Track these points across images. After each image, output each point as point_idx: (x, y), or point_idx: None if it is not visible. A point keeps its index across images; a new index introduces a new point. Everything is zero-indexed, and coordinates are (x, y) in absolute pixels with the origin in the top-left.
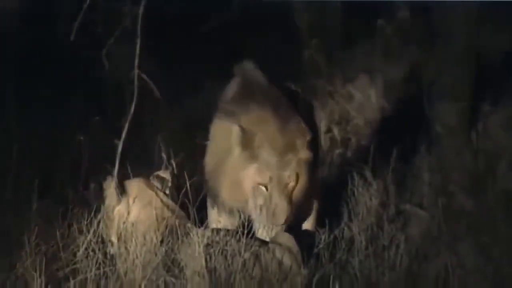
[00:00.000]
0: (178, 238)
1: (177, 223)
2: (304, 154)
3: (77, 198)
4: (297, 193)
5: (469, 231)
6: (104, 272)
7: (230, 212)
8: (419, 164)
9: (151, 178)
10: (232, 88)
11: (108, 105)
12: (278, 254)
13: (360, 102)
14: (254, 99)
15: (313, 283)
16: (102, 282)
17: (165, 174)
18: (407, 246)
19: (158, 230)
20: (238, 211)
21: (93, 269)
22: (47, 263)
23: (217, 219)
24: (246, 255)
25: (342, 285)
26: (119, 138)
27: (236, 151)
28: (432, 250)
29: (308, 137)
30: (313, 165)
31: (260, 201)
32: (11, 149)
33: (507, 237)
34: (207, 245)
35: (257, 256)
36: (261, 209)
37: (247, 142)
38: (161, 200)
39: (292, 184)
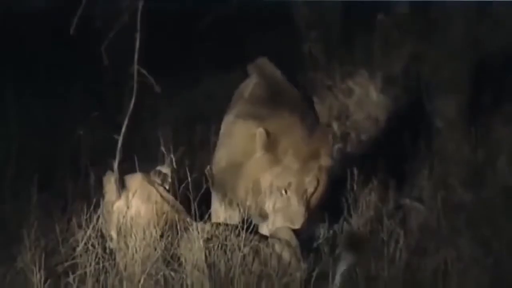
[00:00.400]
0: (177, 233)
1: (176, 218)
2: (326, 161)
3: (77, 192)
4: (314, 199)
5: (468, 225)
6: (103, 266)
7: (240, 210)
8: (418, 158)
9: (152, 173)
10: (250, 87)
11: (108, 99)
12: (277, 248)
13: (359, 97)
14: (283, 105)
15: (313, 278)
16: (102, 277)
17: (165, 169)
18: (406, 241)
19: (158, 224)
20: (238, 205)
21: (93, 264)
22: (46, 257)
23: (222, 216)
24: (246, 250)
25: (342, 280)
26: (119, 133)
27: (258, 153)
28: (431, 244)
29: (332, 145)
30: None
31: (278, 205)
32: (10, 143)
33: (507, 231)
34: (207, 239)
35: (256, 251)
36: (278, 212)
37: (270, 146)
38: (161, 195)
39: (311, 190)
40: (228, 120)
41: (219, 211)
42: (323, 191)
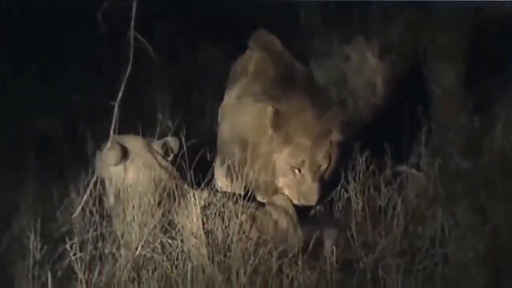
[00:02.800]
0: (175, 200)
1: (174, 185)
2: (337, 136)
3: (74, 159)
4: (328, 174)
5: (466, 192)
6: (101, 233)
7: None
8: (416, 124)
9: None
10: (254, 62)
11: (105, 65)
12: (274, 216)
13: (356, 63)
14: (294, 83)
15: (310, 245)
16: (99, 243)
17: (172, 141)
18: (403, 208)
19: (156, 191)
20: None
21: (90, 231)
22: (43, 224)
23: (226, 185)
24: (243, 217)
25: (339, 247)
26: (115, 99)
27: (269, 132)
28: (428, 211)
29: (342, 119)
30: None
31: (291, 183)
32: (8, 110)
33: (504, 198)
34: (204, 207)
35: (253, 218)
36: (291, 190)
37: (280, 125)
38: (159, 163)
39: (324, 166)
40: (233, 94)
41: (223, 181)
42: (335, 166)
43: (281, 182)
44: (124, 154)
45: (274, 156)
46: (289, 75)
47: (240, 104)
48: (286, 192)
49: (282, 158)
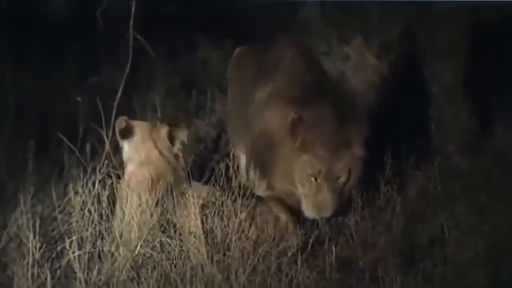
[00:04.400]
0: (173, 199)
1: (172, 181)
2: (358, 151)
3: (74, 158)
4: (347, 188)
5: (465, 192)
6: (100, 232)
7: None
8: (415, 124)
9: None
10: (287, 61)
11: (104, 65)
12: (274, 211)
13: (356, 62)
14: (322, 91)
15: (309, 244)
16: (98, 242)
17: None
18: (403, 207)
19: (154, 190)
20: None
21: (89, 230)
22: (42, 223)
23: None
24: (242, 216)
25: (338, 246)
26: (114, 99)
27: (288, 138)
28: (428, 211)
29: (365, 135)
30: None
31: (308, 192)
32: (7, 109)
33: (503, 197)
34: (203, 205)
35: (253, 217)
36: (307, 200)
37: (298, 132)
38: (160, 152)
39: (343, 179)
40: (265, 92)
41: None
42: (355, 181)
43: (299, 190)
44: (129, 131)
45: (292, 163)
46: (320, 82)
47: (268, 104)
48: (303, 202)
49: (299, 166)
